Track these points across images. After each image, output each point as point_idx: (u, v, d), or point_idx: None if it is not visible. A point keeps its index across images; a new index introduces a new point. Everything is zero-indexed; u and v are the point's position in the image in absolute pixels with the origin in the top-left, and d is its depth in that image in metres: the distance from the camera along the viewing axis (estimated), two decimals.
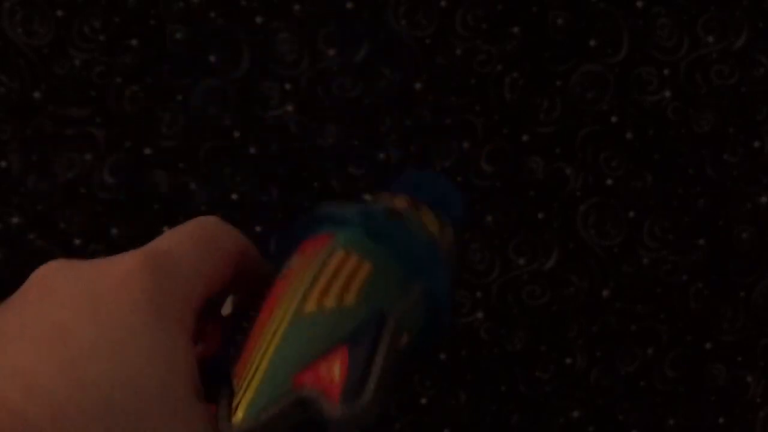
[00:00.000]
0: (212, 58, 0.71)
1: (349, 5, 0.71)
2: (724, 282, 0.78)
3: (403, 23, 0.72)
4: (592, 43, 0.73)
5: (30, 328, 0.29)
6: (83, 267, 0.32)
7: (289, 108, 0.72)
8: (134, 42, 0.70)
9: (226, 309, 0.37)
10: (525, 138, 0.74)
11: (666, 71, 0.74)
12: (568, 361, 0.77)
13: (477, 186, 0.74)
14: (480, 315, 0.76)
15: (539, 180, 0.75)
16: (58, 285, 0.31)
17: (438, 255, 0.36)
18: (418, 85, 0.72)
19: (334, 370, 0.31)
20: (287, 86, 0.71)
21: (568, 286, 0.76)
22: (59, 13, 0.69)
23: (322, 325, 0.32)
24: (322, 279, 0.33)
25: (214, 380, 0.32)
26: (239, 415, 0.31)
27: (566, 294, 0.76)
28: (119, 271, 0.31)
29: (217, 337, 0.35)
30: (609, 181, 0.75)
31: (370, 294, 0.33)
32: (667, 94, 0.74)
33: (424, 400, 0.76)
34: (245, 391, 0.31)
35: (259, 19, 0.71)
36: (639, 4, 0.73)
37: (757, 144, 0.76)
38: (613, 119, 0.74)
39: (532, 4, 0.72)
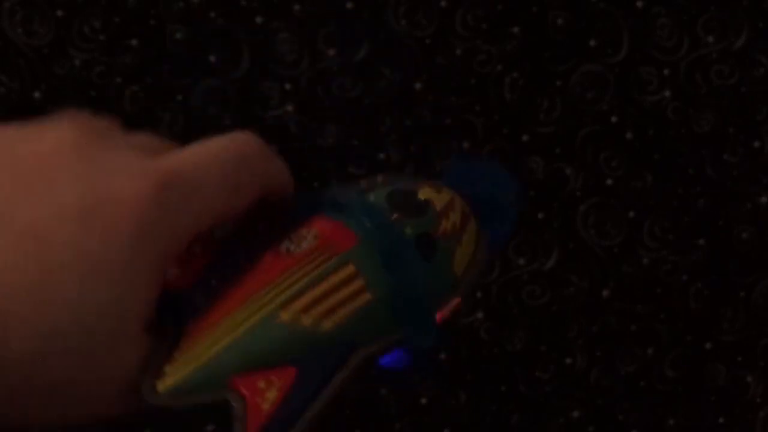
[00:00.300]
0: (212, 58, 0.71)
1: (349, 5, 0.71)
2: (724, 282, 0.78)
3: (403, 23, 0.71)
4: (592, 43, 0.73)
5: (14, 219, 0.27)
6: (96, 161, 0.29)
7: (289, 108, 0.72)
8: (134, 42, 0.70)
9: None
10: (525, 138, 0.74)
11: (666, 71, 0.74)
12: (568, 361, 0.77)
13: None
14: (480, 315, 0.76)
15: (539, 180, 0.75)
16: (63, 171, 0.28)
17: (435, 313, 0.33)
18: (418, 85, 0.72)
19: (271, 392, 0.29)
20: (287, 86, 0.71)
21: (568, 286, 0.76)
22: (59, 13, 0.69)
23: (287, 339, 0.30)
24: (316, 289, 0.31)
25: (169, 313, 0.30)
26: (167, 382, 0.29)
27: (566, 294, 0.76)
28: (128, 194, 0.28)
29: (197, 267, 0.32)
30: (609, 181, 0.75)
31: (352, 326, 0.31)
32: (667, 94, 0.74)
33: (424, 400, 0.76)
34: (184, 364, 0.29)
35: (259, 19, 0.71)
36: (639, 4, 0.73)
37: (757, 144, 0.76)
38: (613, 119, 0.74)
39: (532, 4, 0.72)
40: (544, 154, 0.74)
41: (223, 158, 0.32)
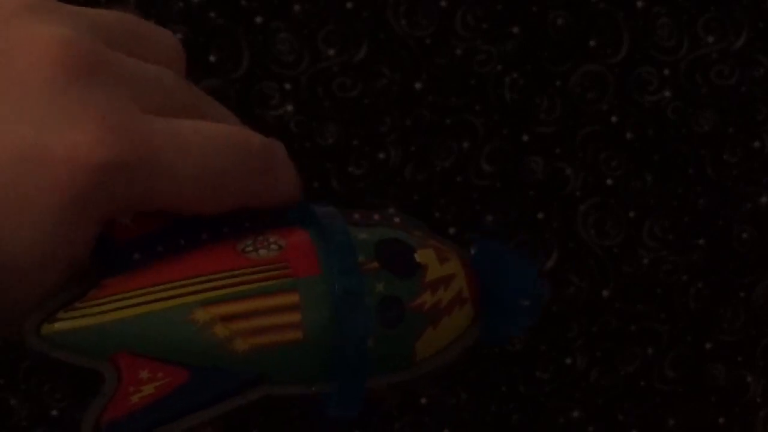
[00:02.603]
0: (212, 58, 0.71)
1: (349, 5, 0.71)
2: (724, 282, 0.78)
3: (403, 23, 0.72)
4: (592, 43, 0.73)
5: None
6: (72, 97, 0.24)
7: (289, 108, 0.72)
8: None
9: None
10: (525, 138, 0.74)
11: (666, 71, 0.74)
12: (568, 361, 0.77)
13: (477, 186, 0.74)
14: None
15: (539, 180, 0.75)
16: (31, 96, 0.24)
17: (365, 384, 0.29)
18: (418, 85, 0.72)
19: (149, 387, 0.26)
20: (287, 86, 0.71)
21: (568, 286, 0.76)
22: None
23: (191, 340, 0.26)
24: (246, 303, 0.27)
25: (98, 257, 0.27)
26: (53, 327, 0.26)
27: (566, 294, 0.76)
28: (82, 157, 0.24)
29: (151, 225, 0.28)
30: (609, 181, 0.75)
31: (267, 358, 0.27)
32: (667, 94, 0.74)
33: (424, 400, 0.76)
34: (80, 317, 0.26)
35: (259, 19, 0.71)
36: (639, 4, 0.73)
37: (757, 144, 0.76)
38: (613, 119, 0.74)
39: (532, 4, 0.72)
40: (544, 154, 0.74)
41: (223, 162, 0.27)
